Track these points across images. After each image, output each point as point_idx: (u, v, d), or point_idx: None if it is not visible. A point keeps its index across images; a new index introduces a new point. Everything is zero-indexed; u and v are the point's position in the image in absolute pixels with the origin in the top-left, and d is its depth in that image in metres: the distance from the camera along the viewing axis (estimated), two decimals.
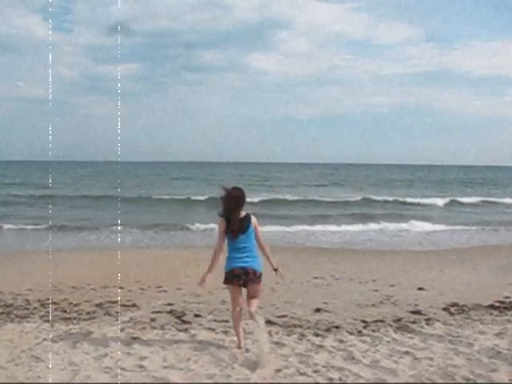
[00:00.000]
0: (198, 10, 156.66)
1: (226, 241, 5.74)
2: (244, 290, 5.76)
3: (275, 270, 5.92)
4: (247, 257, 5.69)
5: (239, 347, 5.73)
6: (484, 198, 35.47)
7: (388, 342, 6.01)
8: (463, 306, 7.91)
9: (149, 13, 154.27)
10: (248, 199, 5.86)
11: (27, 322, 6.81)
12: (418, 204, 32.50)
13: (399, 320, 7.01)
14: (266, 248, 5.88)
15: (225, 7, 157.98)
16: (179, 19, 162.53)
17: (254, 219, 5.84)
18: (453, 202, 33.53)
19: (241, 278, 5.66)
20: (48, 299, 8.09)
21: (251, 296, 5.74)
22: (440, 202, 33.38)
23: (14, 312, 7.32)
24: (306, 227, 20.24)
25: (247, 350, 5.59)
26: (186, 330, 6.42)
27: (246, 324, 5.96)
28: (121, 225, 20.07)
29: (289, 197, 34.30)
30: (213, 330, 6.46)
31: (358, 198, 34.11)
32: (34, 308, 7.58)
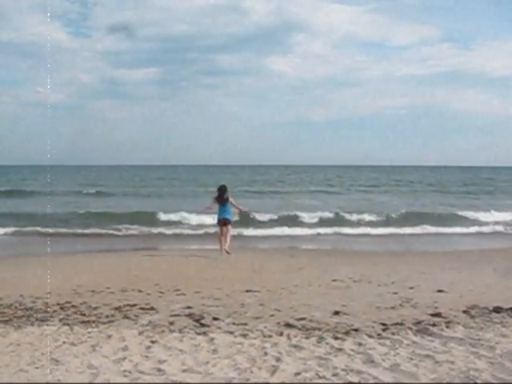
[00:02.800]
0: (215, 15, 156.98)
1: (217, 206, 13.44)
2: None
3: (244, 211, 15.18)
4: (226, 213, 13.32)
5: (221, 250, 13.17)
6: None
7: (408, 345, 5.94)
8: (484, 308, 7.79)
9: (166, 18, 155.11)
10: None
11: (47, 325, 6.85)
12: None
13: (419, 323, 6.92)
14: (235, 204, 13.66)
15: (241, 11, 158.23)
16: (196, 23, 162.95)
17: (230, 199, 13.47)
18: None
19: (224, 222, 13.20)
20: (67, 302, 8.14)
21: (226, 232, 13.20)
22: None
23: (34, 315, 7.37)
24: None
25: (265, 354, 5.57)
26: (204, 334, 6.40)
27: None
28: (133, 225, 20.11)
29: None
30: (231, 333, 6.44)
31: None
32: (54, 311, 7.62)
